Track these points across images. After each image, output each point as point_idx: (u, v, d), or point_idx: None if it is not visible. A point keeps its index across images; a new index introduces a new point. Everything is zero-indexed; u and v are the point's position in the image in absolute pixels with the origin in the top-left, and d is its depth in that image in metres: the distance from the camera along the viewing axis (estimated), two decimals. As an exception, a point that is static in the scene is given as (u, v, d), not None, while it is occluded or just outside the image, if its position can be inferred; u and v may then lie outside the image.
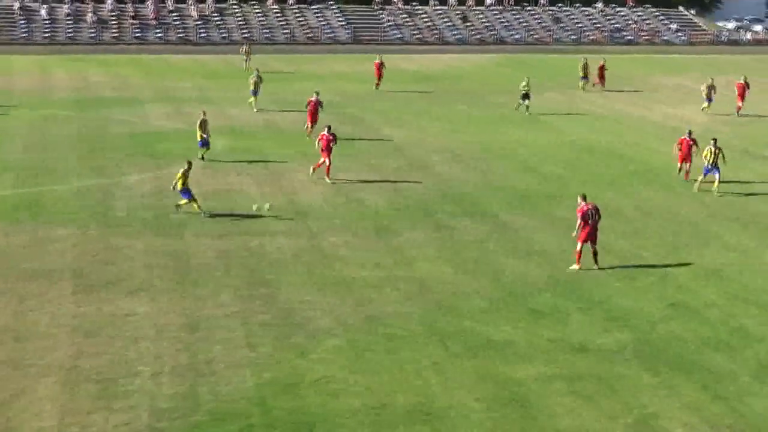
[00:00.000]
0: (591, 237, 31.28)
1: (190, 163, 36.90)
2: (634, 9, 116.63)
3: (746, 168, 46.77)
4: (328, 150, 42.14)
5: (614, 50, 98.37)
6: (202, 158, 44.90)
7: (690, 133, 43.68)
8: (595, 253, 31.32)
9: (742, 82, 63.12)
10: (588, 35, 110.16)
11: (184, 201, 36.57)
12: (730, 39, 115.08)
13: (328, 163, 42.12)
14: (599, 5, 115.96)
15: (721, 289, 30.02)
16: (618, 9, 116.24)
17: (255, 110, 59.79)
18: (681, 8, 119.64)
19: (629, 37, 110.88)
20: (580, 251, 31.24)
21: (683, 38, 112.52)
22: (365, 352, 24.76)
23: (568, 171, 45.66)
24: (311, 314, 27.22)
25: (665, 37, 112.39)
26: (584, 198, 31.59)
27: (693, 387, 23.10)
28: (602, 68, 72.27)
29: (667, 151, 48.67)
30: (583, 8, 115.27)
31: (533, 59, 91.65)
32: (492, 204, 39.36)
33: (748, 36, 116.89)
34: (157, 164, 44.86)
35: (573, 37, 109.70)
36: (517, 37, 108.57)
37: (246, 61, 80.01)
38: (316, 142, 42.94)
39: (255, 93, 60.82)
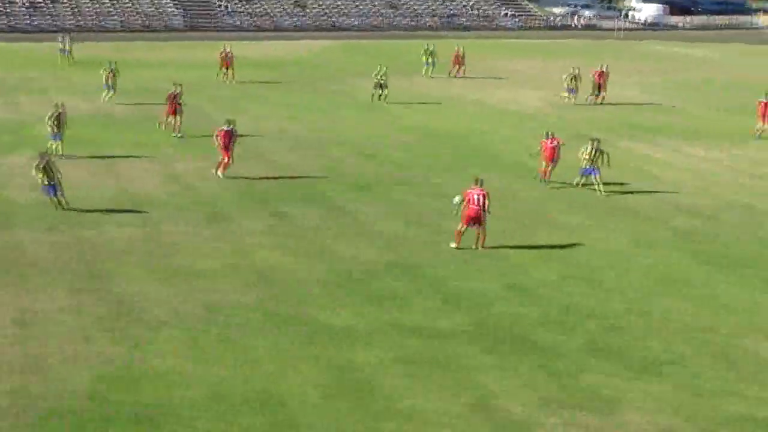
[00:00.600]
0: (474, 221, 31.68)
1: (43, 155, 35.61)
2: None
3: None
4: (226, 147, 40.57)
5: (450, 36, 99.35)
6: (56, 151, 42.58)
7: (549, 134, 41.44)
8: (477, 237, 31.95)
9: (602, 70, 62.39)
10: (426, 21, 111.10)
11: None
12: (563, 24, 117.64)
13: (226, 160, 40.81)
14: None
15: (554, 268, 30.60)
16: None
17: (106, 102, 58.09)
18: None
19: (465, 23, 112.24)
20: (461, 232, 31.76)
21: (518, 23, 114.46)
22: (203, 343, 24.47)
23: (407, 155, 45.97)
24: (148, 306, 26.75)
25: (500, 23, 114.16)
26: (477, 182, 32.08)
27: (529, 366, 23.50)
28: (458, 56, 72.52)
29: (504, 135, 49.42)
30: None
31: (371, 45, 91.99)
32: (329, 190, 39.35)
33: (581, 21, 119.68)
34: (-16, 156, 43.57)
35: (411, 23, 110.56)
36: (355, 23, 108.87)
37: (64, 51, 74.88)
38: (214, 138, 41.22)
39: (109, 87, 58.69)
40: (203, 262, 30.41)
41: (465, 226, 31.91)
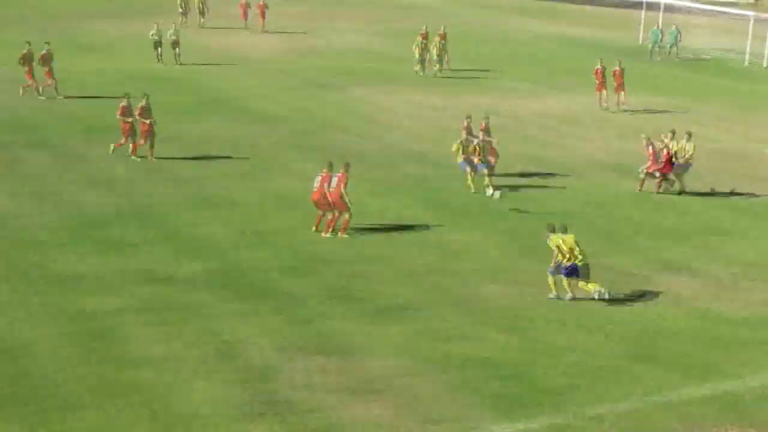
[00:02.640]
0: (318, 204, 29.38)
1: None
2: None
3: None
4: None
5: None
6: None
7: None
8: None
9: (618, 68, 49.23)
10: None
11: None
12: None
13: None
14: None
15: (291, 215, 30.73)
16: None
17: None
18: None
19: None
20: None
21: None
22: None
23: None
24: None
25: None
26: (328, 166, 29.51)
27: (270, 312, 23.62)
28: None
29: (233, 79, 49.18)
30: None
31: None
32: (58, 134, 38.19)
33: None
34: None
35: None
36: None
37: None
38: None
39: None
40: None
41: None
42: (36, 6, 73.02)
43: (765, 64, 62.83)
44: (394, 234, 29.64)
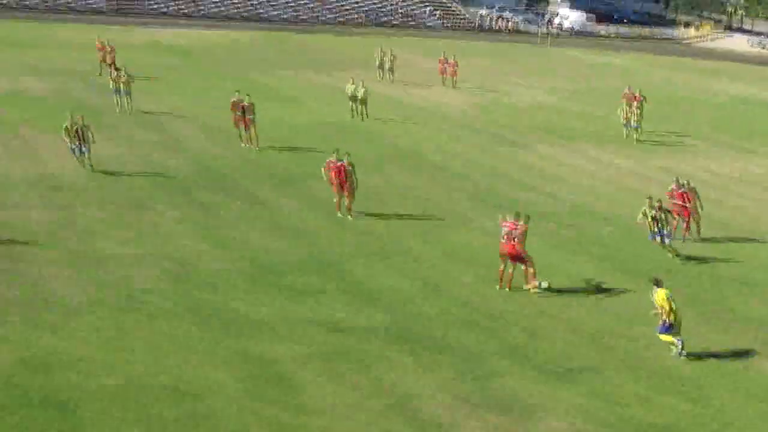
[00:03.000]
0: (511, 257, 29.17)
1: None
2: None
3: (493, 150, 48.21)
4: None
5: (375, 32, 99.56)
6: None
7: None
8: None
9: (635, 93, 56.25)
10: (354, 17, 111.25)
11: None
12: (490, 25, 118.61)
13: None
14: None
15: (468, 270, 30.75)
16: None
17: None
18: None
19: (392, 21, 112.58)
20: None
21: (441, 22, 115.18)
22: (121, 331, 24.27)
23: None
24: (65, 291, 26.48)
25: (426, 22, 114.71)
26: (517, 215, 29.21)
27: (447, 367, 23.63)
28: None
29: (417, 132, 49.57)
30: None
31: (293, 38, 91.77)
32: (249, 182, 39.22)
33: (505, 23, 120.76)
34: None
35: (339, 18, 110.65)
36: (284, 16, 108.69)
37: None
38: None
39: None
40: (123, 249, 30.17)
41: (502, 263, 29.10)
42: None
43: None
44: (578, 294, 29.35)
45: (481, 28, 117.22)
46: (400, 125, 53.84)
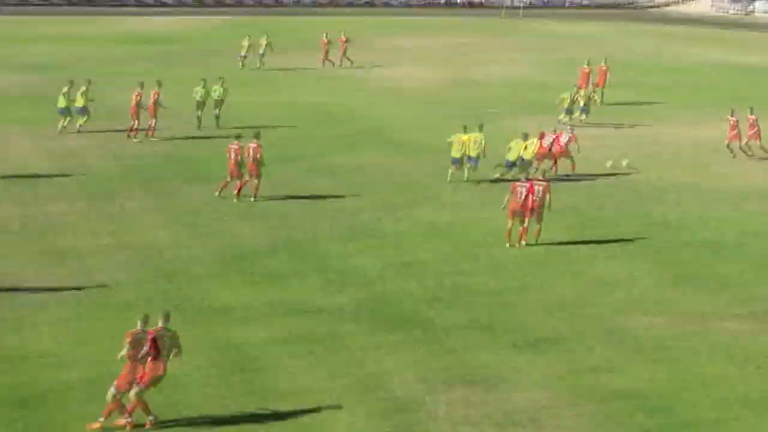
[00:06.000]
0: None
1: None
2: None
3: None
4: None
5: (337, 12, 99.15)
6: None
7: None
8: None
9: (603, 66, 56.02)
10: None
11: None
12: (449, 1, 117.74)
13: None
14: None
15: (437, 245, 30.78)
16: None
17: None
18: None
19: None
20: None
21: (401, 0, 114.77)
22: (87, 323, 24.12)
23: (295, 133, 45.80)
24: (30, 285, 26.30)
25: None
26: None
27: (415, 343, 23.60)
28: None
29: (381, 110, 49.54)
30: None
31: (267, 21, 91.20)
32: (214, 168, 39.01)
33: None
34: None
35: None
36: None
37: None
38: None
39: None
40: (89, 241, 30.02)
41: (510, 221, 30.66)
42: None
43: None
44: (544, 264, 29.42)
45: (447, 3, 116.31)
46: (365, 105, 53.68)
